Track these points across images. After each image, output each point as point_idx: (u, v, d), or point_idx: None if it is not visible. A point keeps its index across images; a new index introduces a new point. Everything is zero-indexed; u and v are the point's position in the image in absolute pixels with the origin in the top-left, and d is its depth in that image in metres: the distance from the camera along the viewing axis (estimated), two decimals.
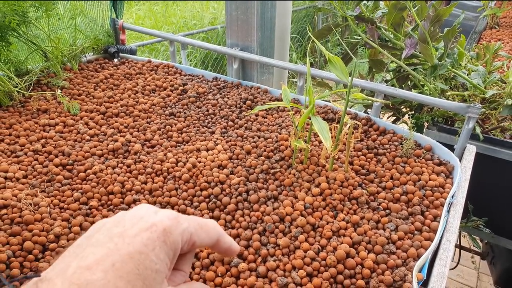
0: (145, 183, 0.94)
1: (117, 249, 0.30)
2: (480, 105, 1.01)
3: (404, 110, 1.46)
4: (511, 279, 1.71)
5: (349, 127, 0.89)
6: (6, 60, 1.27)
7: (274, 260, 0.75)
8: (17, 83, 1.23)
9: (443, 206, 0.86)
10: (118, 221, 0.33)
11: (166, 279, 0.33)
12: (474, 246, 1.22)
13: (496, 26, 2.25)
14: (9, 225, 0.79)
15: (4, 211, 0.82)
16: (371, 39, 1.34)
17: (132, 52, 1.59)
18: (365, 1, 1.40)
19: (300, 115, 0.93)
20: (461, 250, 1.82)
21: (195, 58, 4.03)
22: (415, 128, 1.27)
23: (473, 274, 2.44)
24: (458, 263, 1.91)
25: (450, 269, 2.06)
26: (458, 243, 1.81)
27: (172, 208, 0.88)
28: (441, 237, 0.79)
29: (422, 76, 1.30)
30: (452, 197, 0.88)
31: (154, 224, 0.32)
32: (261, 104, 1.21)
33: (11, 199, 0.84)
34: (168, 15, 4.94)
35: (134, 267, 0.29)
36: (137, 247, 0.30)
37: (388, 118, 1.51)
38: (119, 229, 0.31)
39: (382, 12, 1.40)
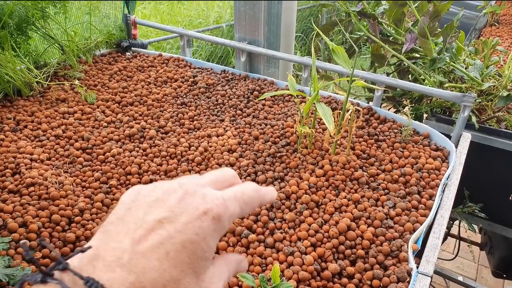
0: (160, 165, 1.01)
1: (170, 236, 0.29)
2: (475, 94, 1.07)
3: (404, 102, 1.52)
4: (508, 267, 1.77)
5: (351, 112, 0.96)
6: (26, 53, 1.34)
7: (281, 233, 0.82)
8: (36, 75, 1.30)
9: (438, 187, 0.92)
10: (162, 201, 0.31)
11: None
12: (469, 229, 1.28)
13: (496, 24, 2.30)
14: (37, 200, 0.86)
15: (32, 188, 0.89)
16: (373, 34, 1.41)
17: (144, 46, 1.66)
18: None
19: (305, 103, 0.99)
20: (460, 242, 1.87)
21: (200, 56, 4.10)
22: (413, 115, 1.33)
23: (473, 266, 2.49)
24: (457, 254, 1.96)
25: (449, 260, 2.12)
26: (457, 234, 1.87)
27: None
28: (436, 214, 0.86)
29: (422, 69, 1.37)
30: (447, 179, 0.94)
31: (205, 212, 0.31)
32: None
33: (38, 178, 0.91)
34: (174, 14, 5.01)
35: (186, 256, 0.29)
36: (189, 236, 0.30)
37: (388, 109, 1.57)
38: (166, 213, 0.31)
39: (384, 8, 1.46)
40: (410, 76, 1.50)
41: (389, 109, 1.56)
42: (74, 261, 0.27)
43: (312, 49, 0.97)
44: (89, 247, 0.28)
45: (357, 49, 0.95)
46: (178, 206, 0.31)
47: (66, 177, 0.94)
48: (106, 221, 0.31)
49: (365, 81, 1.35)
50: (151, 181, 0.96)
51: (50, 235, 0.80)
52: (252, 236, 0.80)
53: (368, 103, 1.52)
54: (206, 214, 0.31)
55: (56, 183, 0.91)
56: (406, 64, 1.40)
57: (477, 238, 2.14)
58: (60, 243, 0.78)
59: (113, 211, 0.32)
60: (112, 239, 0.29)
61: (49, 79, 1.34)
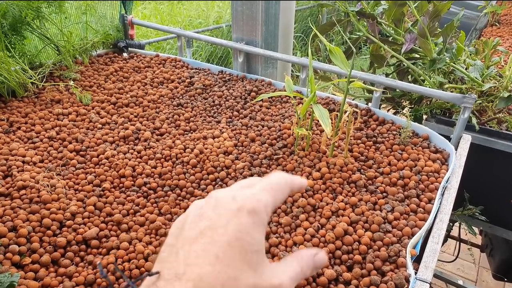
0: (155, 167, 0.99)
1: (214, 241, 0.31)
2: (475, 95, 1.05)
3: (404, 103, 1.50)
4: (509, 270, 1.75)
5: (348, 114, 0.94)
6: (21, 53, 1.32)
7: (277, 237, 0.80)
8: (31, 75, 1.28)
9: (437, 190, 0.90)
10: (199, 215, 0.33)
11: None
12: (470, 232, 1.26)
13: (497, 24, 2.28)
14: (28, 204, 0.85)
15: (23, 191, 0.87)
16: (372, 34, 1.39)
17: (141, 47, 1.65)
18: None
19: (303, 105, 0.97)
20: (461, 243, 1.85)
21: (200, 56, 4.09)
22: (412, 117, 1.31)
23: (474, 268, 2.47)
24: (457, 256, 1.94)
25: (450, 262, 2.10)
26: (457, 236, 1.85)
27: (181, 190, 0.93)
28: (435, 218, 0.84)
29: (422, 70, 1.35)
30: (447, 181, 0.92)
31: (239, 209, 0.32)
32: None
33: (30, 181, 0.89)
34: (174, 14, 4.99)
35: (237, 253, 0.30)
36: (232, 234, 0.31)
37: (388, 111, 1.55)
38: (205, 222, 0.32)
39: (383, 8, 1.44)
40: (409, 76, 1.48)
41: (388, 110, 1.54)
42: (142, 285, 0.31)
43: (309, 50, 0.96)
44: (157, 272, 0.31)
45: (355, 50, 0.93)
46: (214, 213, 0.33)
47: (59, 180, 0.92)
48: (159, 254, 0.34)
49: (364, 82, 1.34)
50: (144, 183, 0.94)
51: (40, 240, 0.78)
52: None
53: (367, 104, 1.51)
54: (240, 211, 0.32)
55: (48, 186, 0.89)
56: (406, 65, 1.38)
57: (478, 239, 2.12)
58: (51, 248, 0.77)
59: (164, 243, 0.34)
60: (166, 262, 0.32)
61: (44, 79, 1.32)
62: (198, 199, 0.90)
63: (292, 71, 1.92)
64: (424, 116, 1.37)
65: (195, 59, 1.84)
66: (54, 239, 0.78)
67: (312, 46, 4.91)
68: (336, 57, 0.90)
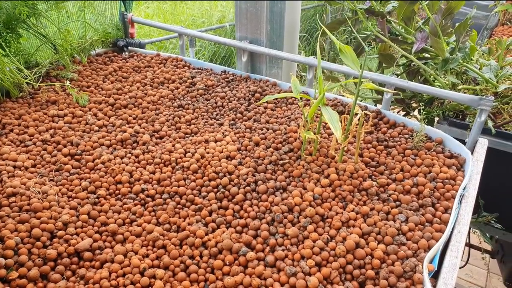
0: (154, 173, 0.94)
1: None
2: (492, 97, 0.99)
3: (414, 105, 1.44)
4: None
5: (359, 117, 0.88)
6: (16, 52, 1.27)
7: (283, 250, 0.74)
8: (26, 75, 1.23)
9: (454, 198, 0.84)
10: None
11: None
12: (485, 241, 1.20)
13: (508, 23, 2.22)
14: (18, 212, 0.79)
15: (12, 199, 0.82)
16: (381, 33, 1.33)
17: (141, 45, 1.59)
18: None
19: (310, 107, 0.92)
20: (471, 249, 1.79)
21: (203, 56, 4.03)
22: (426, 120, 1.25)
23: (483, 274, 2.41)
24: (467, 262, 1.88)
25: (460, 268, 2.04)
26: (467, 241, 1.79)
27: (180, 197, 0.87)
28: (453, 229, 0.78)
29: (433, 70, 1.29)
30: (464, 189, 0.87)
31: None
32: None
33: (20, 187, 0.84)
34: (177, 13, 4.95)
35: None
36: None
37: (398, 112, 1.49)
38: None
39: (393, 6, 1.38)
40: (419, 77, 1.42)
41: (398, 112, 1.48)
42: None
43: (318, 49, 0.90)
44: None
45: (366, 48, 0.88)
46: None
47: (51, 186, 0.87)
48: None
49: (373, 83, 1.28)
50: (142, 190, 0.89)
51: (29, 252, 0.73)
52: (251, 254, 0.73)
53: (375, 105, 1.45)
54: None
55: (39, 193, 0.84)
56: (416, 65, 1.32)
57: (487, 245, 2.06)
58: (40, 261, 0.71)
59: None
60: None
61: (41, 79, 1.27)
62: (198, 207, 0.85)
63: (296, 71, 1.86)
64: (436, 119, 1.31)
65: (198, 58, 1.80)
66: (43, 251, 0.73)
67: (315, 46, 4.84)
68: (346, 56, 0.84)
